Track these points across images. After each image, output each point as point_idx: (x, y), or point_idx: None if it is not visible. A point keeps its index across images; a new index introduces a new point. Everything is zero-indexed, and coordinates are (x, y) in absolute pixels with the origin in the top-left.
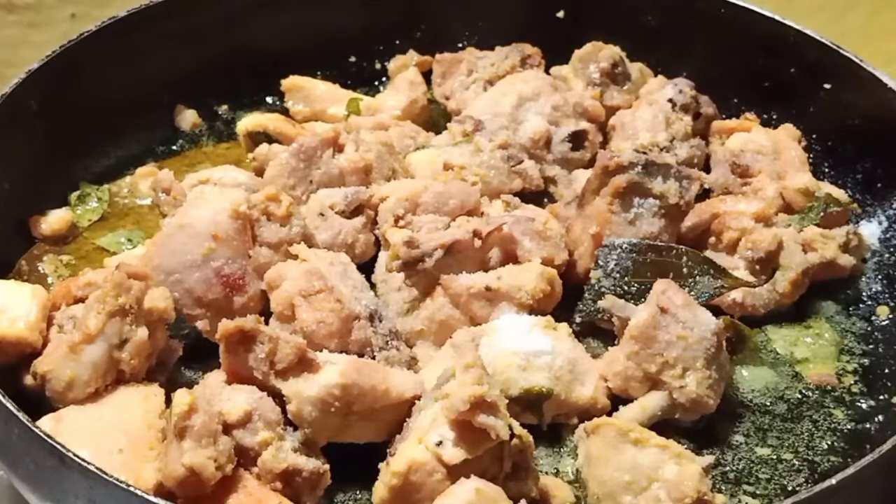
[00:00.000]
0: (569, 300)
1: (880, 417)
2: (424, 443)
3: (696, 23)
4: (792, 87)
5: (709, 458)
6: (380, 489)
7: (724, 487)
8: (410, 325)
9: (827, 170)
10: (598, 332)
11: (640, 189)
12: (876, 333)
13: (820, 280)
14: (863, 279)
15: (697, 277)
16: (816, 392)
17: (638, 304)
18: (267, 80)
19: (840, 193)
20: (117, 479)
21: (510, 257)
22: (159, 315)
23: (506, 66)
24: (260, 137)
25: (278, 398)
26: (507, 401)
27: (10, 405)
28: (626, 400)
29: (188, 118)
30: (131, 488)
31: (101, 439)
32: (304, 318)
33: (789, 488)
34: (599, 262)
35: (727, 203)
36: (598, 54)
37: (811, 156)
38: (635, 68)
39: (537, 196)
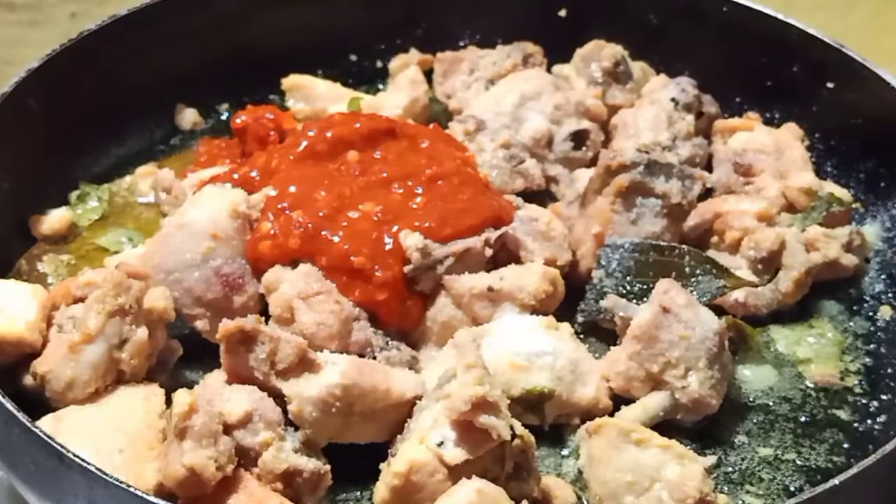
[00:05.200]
0: (571, 300)
1: (883, 417)
2: (426, 443)
3: (698, 21)
4: (794, 86)
5: (711, 459)
6: (381, 489)
7: (726, 488)
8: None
9: (830, 169)
10: (601, 332)
11: (643, 188)
12: (879, 333)
13: (823, 280)
14: (866, 279)
15: (700, 277)
16: (819, 392)
17: (640, 303)
18: (268, 78)
19: (843, 193)
20: (117, 480)
21: (513, 257)
22: (159, 315)
23: (507, 65)
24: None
25: (279, 398)
26: (508, 401)
27: (9, 405)
28: (629, 400)
29: (188, 117)
30: (131, 488)
31: (101, 439)
32: (303, 321)
33: (792, 489)
34: (601, 261)
35: (730, 202)
36: (601, 53)
37: (814, 155)
38: (637, 67)
39: (539, 195)
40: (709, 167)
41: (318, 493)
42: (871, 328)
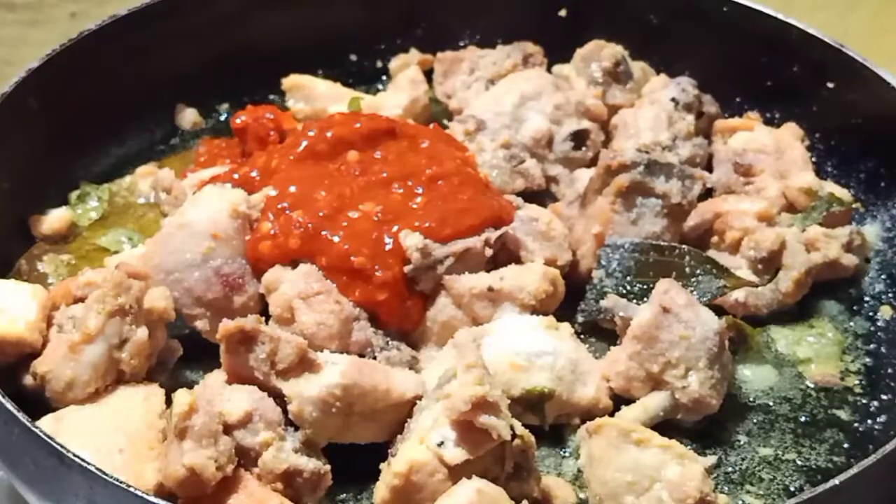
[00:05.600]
0: (571, 300)
1: (883, 417)
2: (426, 443)
3: (698, 21)
4: (795, 86)
5: (711, 459)
6: (381, 489)
7: (726, 488)
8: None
9: (830, 169)
10: (601, 332)
11: (643, 188)
12: (879, 333)
13: (823, 280)
14: (866, 279)
15: (700, 277)
16: (819, 392)
17: (640, 303)
18: (268, 78)
19: (843, 193)
20: (117, 480)
21: (513, 257)
22: (159, 315)
23: (507, 65)
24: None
25: (279, 398)
26: (508, 401)
27: (9, 405)
28: (629, 400)
29: (189, 117)
30: (131, 488)
31: (101, 439)
32: (303, 321)
33: (792, 489)
34: (602, 261)
35: (730, 202)
36: (601, 53)
37: (814, 155)
38: (637, 67)
39: (539, 195)
40: (709, 167)
41: (318, 493)
42: (871, 328)
